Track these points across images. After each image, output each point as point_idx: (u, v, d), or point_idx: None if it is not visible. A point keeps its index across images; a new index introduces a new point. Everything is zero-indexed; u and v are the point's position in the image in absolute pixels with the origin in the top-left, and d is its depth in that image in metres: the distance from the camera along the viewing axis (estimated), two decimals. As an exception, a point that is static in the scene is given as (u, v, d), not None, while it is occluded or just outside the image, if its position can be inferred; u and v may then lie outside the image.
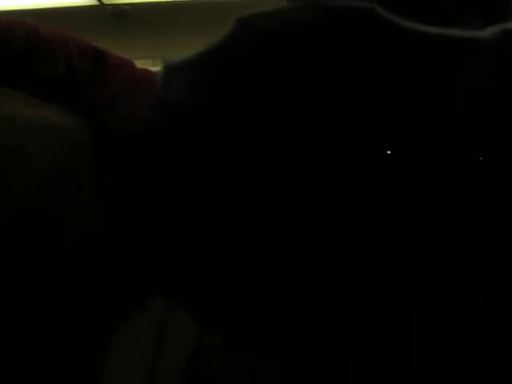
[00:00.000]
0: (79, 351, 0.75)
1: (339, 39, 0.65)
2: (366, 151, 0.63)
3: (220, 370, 0.73)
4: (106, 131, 0.75)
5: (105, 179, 0.74)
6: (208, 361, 0.74)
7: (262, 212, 0.66)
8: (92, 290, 0.74)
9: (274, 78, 0.67)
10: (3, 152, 0.66)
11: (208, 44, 0.72)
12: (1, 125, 0.67)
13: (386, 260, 0.64)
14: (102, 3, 5.01)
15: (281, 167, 0.65)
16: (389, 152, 0.63)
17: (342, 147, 0.64)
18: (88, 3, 4.95)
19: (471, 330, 0.64)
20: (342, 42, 0.65)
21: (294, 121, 0.65)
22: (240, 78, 0.68)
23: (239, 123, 0.67)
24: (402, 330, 0.65)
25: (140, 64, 0.85)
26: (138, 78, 0.79)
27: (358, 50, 0.65)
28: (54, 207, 0.70)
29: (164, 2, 5.06)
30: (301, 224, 0.65)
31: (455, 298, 0.64)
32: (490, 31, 0.65)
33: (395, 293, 0.64)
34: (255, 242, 0.67)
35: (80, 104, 0.75)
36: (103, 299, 0.76)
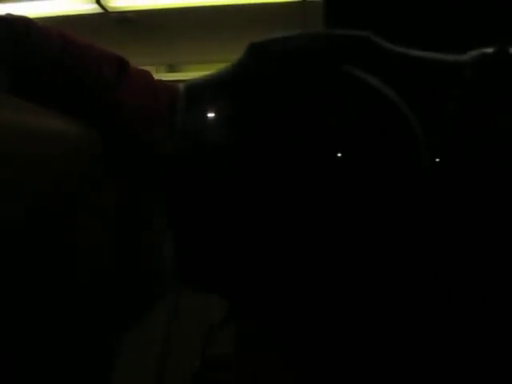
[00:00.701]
0: (86, 356, 0.75)
1: (340, 62, 0.73)
2: (367, 161, 0.68)
3: (226, 378, 0.74)
4: (123, 135, 0.77)
5: (106, 182, 0.75)
6: (213, 369, 0.75)
7: (275, 216, 0.70)
8: (95, 295, 0.75)
9: (286, 98, 0.73)
10: (4, 160, 0.67)
11: (224, 68, 0.79)
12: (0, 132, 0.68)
13: (384, 262, 0.66)
14: (106, 10, 5.03)
15: (295, 175, 0.70)
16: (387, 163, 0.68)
17: (347, 156, 0.68)
18: (92, 11, 4.97)
19: (470, 331, 0.65)
20: (343, 64, 0.73)
21: (304, 133, 0.69)
22: (256, 98, 0.74)
23: (256, 139, 0.72)
24: (401, 329, 0.67)
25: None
26: (156, 87, 0.81)
27: (354, 70, 0.72)
28: (55, 214, 0.71)
29: (168, 10, 5.08)
30: (310, 225, 0.69)
31: (444, 298, 0.66)
32: (470, 55, 0.72)
33: (391, 291, 0.67)
34: (269, 246, 0.70)
35: (101, 110, 0.76)
36: (108, 303, 0.76)
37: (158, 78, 0.85)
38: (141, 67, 0.85)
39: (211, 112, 0.76)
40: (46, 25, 0.78)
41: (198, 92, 0.78)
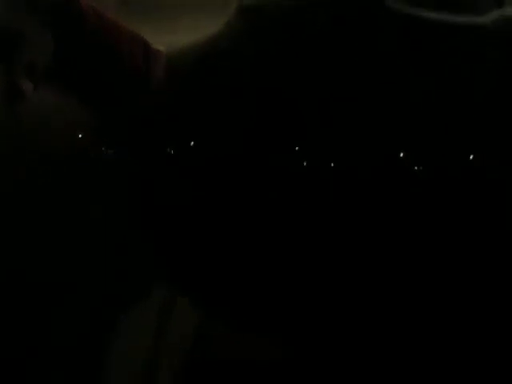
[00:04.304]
0: (82, 340, 0.75)
1: (346, 23, 0.67)
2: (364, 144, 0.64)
3: (220, 357, 0.73)
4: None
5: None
6: (208, 348, 0.74)
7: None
8: (92, 284, 0.75)
9: (283, 59, 0.68)
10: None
11: (210, 33, 0.74)
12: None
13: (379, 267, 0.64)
14: (104, -9, 5.00)
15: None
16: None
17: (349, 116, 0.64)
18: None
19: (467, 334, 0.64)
20: (349, 26, 0.67)
21: (305, 97, 0.65)
22: (244, 64, 0.68)
23: (253, 104, 0.68)
24: (398, 330, 0.66)
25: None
26: None
27: (363, 32, 0.66)
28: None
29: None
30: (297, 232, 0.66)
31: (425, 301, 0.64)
32: (489, 17, 0.66)
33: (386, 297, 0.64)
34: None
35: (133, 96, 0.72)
36: (103, 292, 0.76)
37: None
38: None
39: (201, 78, 0.72)
40: None
41: (187, 56, 0.75)
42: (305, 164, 0.64)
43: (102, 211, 0.76)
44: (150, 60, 0.74)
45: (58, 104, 0.74)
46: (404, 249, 0.64)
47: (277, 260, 0.67)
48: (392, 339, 0.66)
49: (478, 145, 0.63)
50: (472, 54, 0.65)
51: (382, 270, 0.64)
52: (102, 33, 0.70)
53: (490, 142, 0.63)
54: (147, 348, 0.79)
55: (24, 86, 0.59)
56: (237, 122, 0.68)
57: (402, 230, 0.64)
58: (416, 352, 0.66)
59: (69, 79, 0.69)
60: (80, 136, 0.73)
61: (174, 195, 0.71)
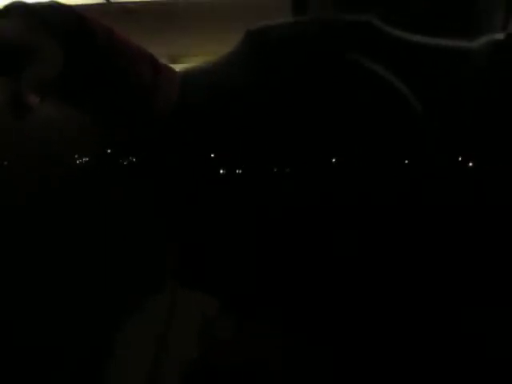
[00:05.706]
0: (82, 345, 0.75)
1: (341, 49, 0.70)
2: (369, 155, 0.67)
3: (225, 363, 0.73)
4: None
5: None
6: (212, 355, 0.75)
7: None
8: (93, 287, 0.75)
9: (282, 86, 0.70)
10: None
11: (220, 56, 0.77)
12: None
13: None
14: (108, 1, 5.01)
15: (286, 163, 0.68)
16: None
17: (349, 149, 0.65)
18: (94, 0, 4.94)
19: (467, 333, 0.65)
20: (343, 50, 0.70)
21: (305, 125, 0.67)
22: (253, 87, 0.71)
23: (255, 130, 0.71)
24: (397, 328, 0.65)
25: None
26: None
27: (355, 56, 0.69)
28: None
29: (171, 1, 5.06)
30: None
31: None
32: (478, 41, 0.68)
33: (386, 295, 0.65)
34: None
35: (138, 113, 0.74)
36: (105, 296, 0.76)
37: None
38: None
39: (208, 104, 0.74)
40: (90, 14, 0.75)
41: (194, 81, 0.76)
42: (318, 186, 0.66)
43: (107, 219, 0.77)
44: (159, 77, 0.76)
45: (63, 118, 0.75)
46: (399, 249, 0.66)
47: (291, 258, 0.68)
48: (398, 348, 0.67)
49: (468, 165, 0.64)
50: (461, 79, 0.67)
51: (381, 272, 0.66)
52: (111, 50, 0.72)
53: (477, 163, 0.64)
54: (150, 348, 0.79)
55: (30, 99, 0.60)
56: (243, 141, 0.70)
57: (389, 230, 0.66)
58: (417, 352, 0.67)
59: (76, 94, 0.71)
60: (85, 150, 0.74)
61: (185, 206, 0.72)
